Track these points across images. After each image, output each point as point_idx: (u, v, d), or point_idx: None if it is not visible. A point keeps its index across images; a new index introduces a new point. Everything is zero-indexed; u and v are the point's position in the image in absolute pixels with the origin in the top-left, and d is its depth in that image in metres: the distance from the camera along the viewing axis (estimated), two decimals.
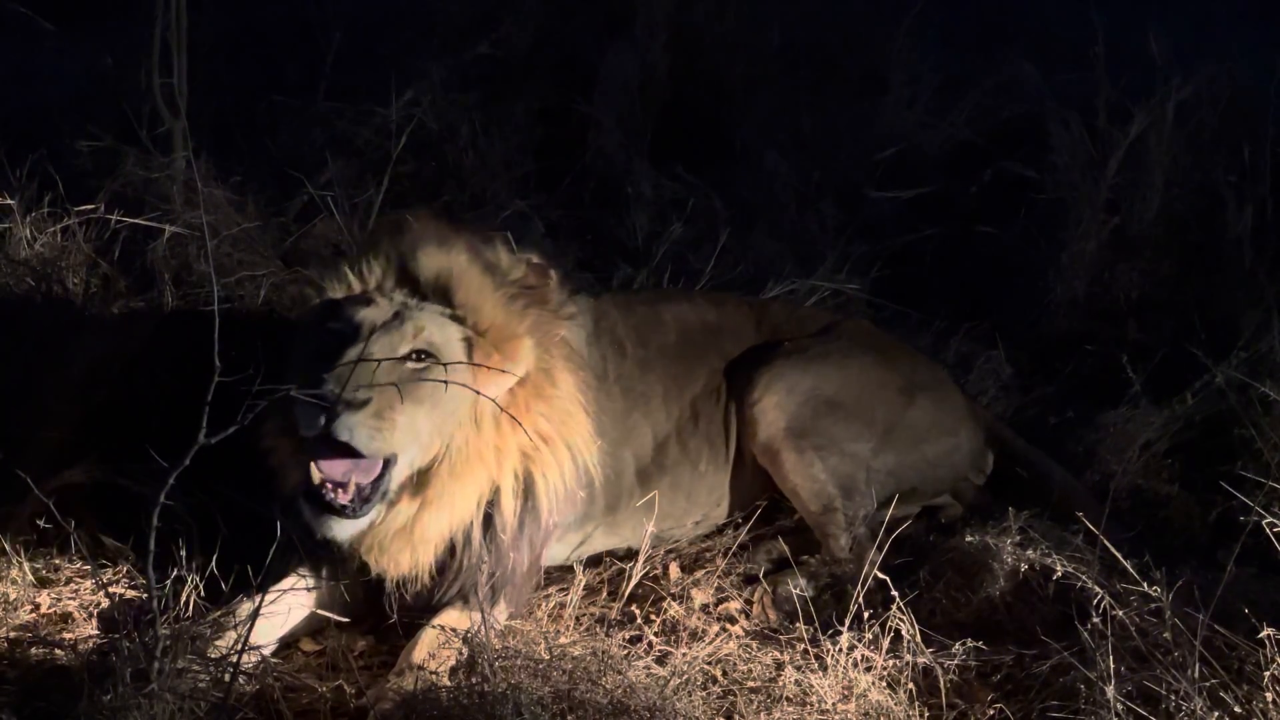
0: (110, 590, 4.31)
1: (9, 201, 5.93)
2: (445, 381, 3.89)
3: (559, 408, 4.31)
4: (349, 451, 3.84)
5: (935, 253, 7.05)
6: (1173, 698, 3.62)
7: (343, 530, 3.96)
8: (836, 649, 3.91)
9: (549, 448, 4.26)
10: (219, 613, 3.95)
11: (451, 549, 4.18)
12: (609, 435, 4.64)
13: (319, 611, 4.20)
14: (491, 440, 4.13)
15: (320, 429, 3.78)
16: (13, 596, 4.25)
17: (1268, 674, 3.65)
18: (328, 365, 3.84)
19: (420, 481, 4.06)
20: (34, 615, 4.22)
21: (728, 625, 4.32)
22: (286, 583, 4.17)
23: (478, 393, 4.00)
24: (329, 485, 3.90)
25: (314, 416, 3.78)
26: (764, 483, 4.96)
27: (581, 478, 4.38)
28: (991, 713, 3.95)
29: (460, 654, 3.85)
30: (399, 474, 3.98)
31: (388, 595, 4.19)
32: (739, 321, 5.21)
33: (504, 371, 4.10)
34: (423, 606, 4.22)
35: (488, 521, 4.18)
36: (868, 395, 4.95)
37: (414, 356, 4.00)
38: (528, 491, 4.24)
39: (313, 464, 3.91)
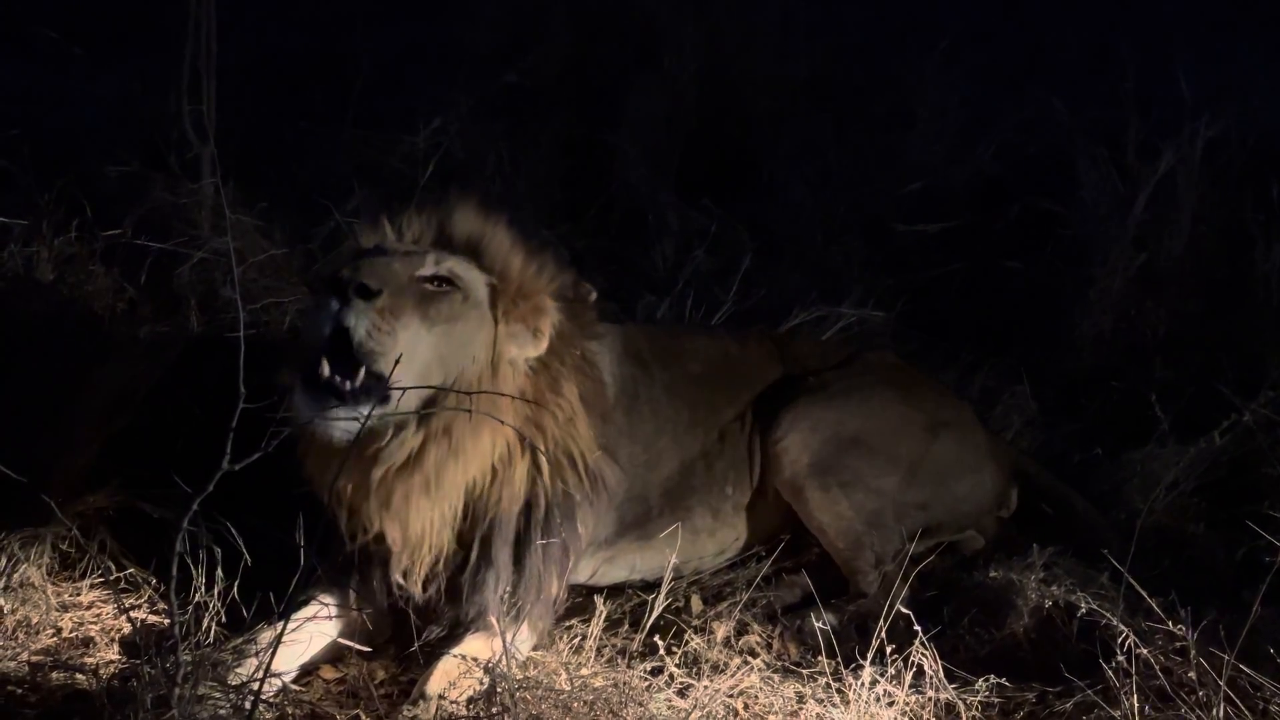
0: (132, 615, 4.31)
1: (37, 225, 5.96)
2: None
3: (560, 414, 4.24)
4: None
5: (961, 287, 7.04)
6: None
7: (339, 423, 3.83)
8: (859, 683, 3.87)
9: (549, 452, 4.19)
10: (240, 639, 3.95)
11: (466, 558, 4.16)
12: (637, 454, 4.65)
13: (340, 640, 4.19)
14: (511, 394, 4.07)
15: (334, 315, 3.78)
16: (34, 620, 4.25)
17: None
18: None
19: (426, 415, 3.96)
20: (55, 639, 4.21)
21: (749, 658, 4.29)
22: (308, 610, 4.14)
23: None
24: (337, 377, 3.84)
25: (329, 305, 3.80)
26: (787, 518, 4.93)
27: (594, 488, 4.33)
28: None
29: (480, 683, 3.84)
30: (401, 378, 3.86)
31: (402, 592, 4.15)
32: (761, 355, 5.18)
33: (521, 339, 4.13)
34: (445, 635, 4.21)
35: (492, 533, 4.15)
36: (891, 431, 4.93)
37: (435, 281, 3.98)
38: (538, 501, 4.19)
39: (323, 357, 3.84)
